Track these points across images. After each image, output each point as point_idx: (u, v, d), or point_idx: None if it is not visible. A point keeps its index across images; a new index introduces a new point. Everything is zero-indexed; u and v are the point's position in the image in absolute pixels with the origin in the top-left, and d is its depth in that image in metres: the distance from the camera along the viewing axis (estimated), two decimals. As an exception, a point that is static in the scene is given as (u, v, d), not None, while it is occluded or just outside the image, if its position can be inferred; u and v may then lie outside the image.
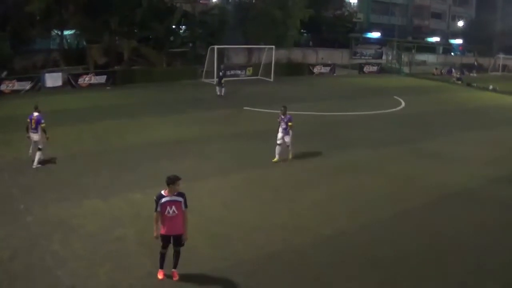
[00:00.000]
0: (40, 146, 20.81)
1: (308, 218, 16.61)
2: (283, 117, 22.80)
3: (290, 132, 22.75)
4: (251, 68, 57.28)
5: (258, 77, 55.51)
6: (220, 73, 42.34)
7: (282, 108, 23.08)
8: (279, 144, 22.93)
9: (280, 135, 22.86)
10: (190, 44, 60.35)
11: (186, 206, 12.18)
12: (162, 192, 12.07)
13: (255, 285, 12.20)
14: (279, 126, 22.98)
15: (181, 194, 12.22)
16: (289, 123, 22.67)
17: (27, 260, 12.90)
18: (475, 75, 73.06)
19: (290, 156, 23.22)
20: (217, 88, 41.91)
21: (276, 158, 22.97)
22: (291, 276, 12.66)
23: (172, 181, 12.09)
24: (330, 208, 17.52)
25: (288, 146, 23.02)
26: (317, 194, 18.83)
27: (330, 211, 17.25)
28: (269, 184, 19.72)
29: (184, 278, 12.35)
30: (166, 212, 11.94)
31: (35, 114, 20.73)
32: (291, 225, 15.86)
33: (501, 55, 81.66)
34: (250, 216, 16.29)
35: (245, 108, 35.94)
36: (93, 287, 11.89)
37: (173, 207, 11.98)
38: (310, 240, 14.87)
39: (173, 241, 12.25)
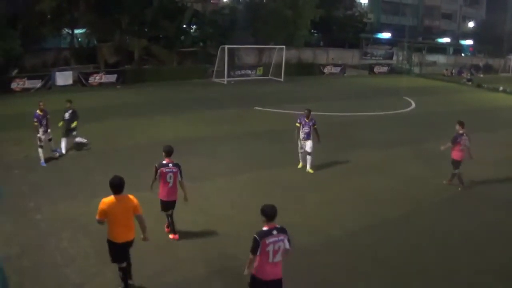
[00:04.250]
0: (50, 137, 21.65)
1: (317, 218, 16.62)
2: (306, 120, 21.22)
3: (314, 136, 21.25)
4: (261, 68, 57.38)
5: (269, 77, 55.64)
6: (67, 116, 22.83)
7: (305, 111, 21.42)
8: (302, 152, 21.75)
9: (301, 142, 21.46)
10: (201, 44, 60.50)
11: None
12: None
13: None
14: (299, 131, 21.43)
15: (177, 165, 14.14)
16: (314, 126, 21.22)
17: (36, 258, 12.97)
18: (481, 75, 72.78)
19: (309, 166, 21.54)
20: (63, 140, 22.75)
21: (301, 164, 21.93)
22: (298, 276, 12.61)
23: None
24: (339, 208, 17.53)
25: (309, 153, 21.32)
26: (326, 194, 18.84)
27: (339, 211, 17.25)
28: (278, 184, 19.71)
29: (192, 277, 12.37)
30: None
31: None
32: (299, 225, 15.79)
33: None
34: (258, 215, 16.24)
35: (255, 108, 35.95)
36: (101, 285, 11.93)
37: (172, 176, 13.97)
38: (318, 240, 14.86)
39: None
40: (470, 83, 61.91)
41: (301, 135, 21.36)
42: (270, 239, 9.69)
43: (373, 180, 20.73)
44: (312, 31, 73.82)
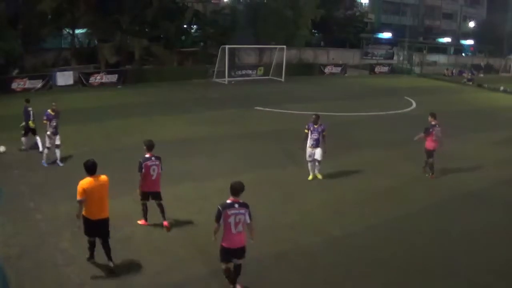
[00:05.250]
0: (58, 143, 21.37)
1: (317, 218, 16.61)
2: (315, 126, 19.88)
3: (322, 144, 20.01)
4: (262, 68, 57.31)
5: (269, 77, 55.57)
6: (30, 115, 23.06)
7: (313, 116, 20.11)
8: (310, 161, 20.38)
9: (310, 150, 20.10)
10: (201, 44, 60.51)
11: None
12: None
13: (262, 285, 12.19)
14: (307, 137, 20.13)
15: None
16: (324, 133, 19.89)
17: (36, 258, 12.97)
18: (481, 75, 72.82)
19: (318, 173, 20.61)
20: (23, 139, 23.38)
21: (311, 175, 20.59)
22: (298, 276, 12.64)
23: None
24: (339, 209, 17.52)
25: (319, 161, 20.23)
26: (327, 195, 18.84)
27: (339, 212, 17.24)
28: (279, 185, 19.71)
29: (193, 276, 12.37)
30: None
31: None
32: (299, 225, 15.84)
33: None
34: (258, 216, 16.14)
35: (256, 108, 35.94)
36: (102, 285, 11.96)
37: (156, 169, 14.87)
38: (318, 240, 14.86)
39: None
40: (470, 83, 61.96)
41: (310, 142, 20.06)
42: (232, 211, 11.18)
43: (373, 180, 20.74)
44: (313, 31, 73.91)
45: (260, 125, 30.36)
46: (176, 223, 15.36)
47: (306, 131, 20.12)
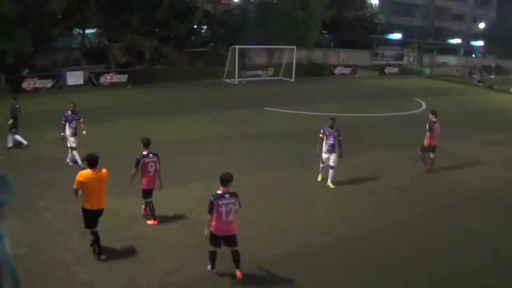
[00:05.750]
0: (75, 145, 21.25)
1: (325, 219, 16.58)
2: (331, 130, 19.06)
3: (338, 149, 19.23)
4: (272, 68, 57.37)
5: (279, 77, 55.63)
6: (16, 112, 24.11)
7: (329, 120, 19.26)
8: (324, 166, 19.83)
9: (325, 155, 19.42)
10: (211, 44, 60.57)
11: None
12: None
13: (270, 285, 12.17)
14: (322, 142, 19.38)
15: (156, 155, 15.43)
16: (339, 137, 19.08)
17: (46, 256, 13.01)
18: (493, 77, 72.55)
19: (330, 181, 19.68)
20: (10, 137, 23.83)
21: (320, 176, 20.18)
22: (306, 277, 12.59)
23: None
24: (348, 210, 17.48)
25: (332, 167, 19.47)
26: (335, 195, 18.81)
27: (348, 213, 17.21)
28: (287, 185, 19.68)
29: (200, 276, 12.37)
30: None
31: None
32: (308, 226, 15.80)
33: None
34: (267, 216, 16.25)
35: (266, 108, 35.93)
36: (110, 284, 11.96)
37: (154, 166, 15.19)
38: (327, 241, 14.81)
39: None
40: (481, 84, 61.68)
41: (325, 147, 19.26)
42: (223, 201, 11.74)
43: (381, 181, 20.69)
44: (323, 31, 73.79)
45: (270, 126, 30.35)
46: (185, 223, 15.40)
47: (321, 135, 19.33)
